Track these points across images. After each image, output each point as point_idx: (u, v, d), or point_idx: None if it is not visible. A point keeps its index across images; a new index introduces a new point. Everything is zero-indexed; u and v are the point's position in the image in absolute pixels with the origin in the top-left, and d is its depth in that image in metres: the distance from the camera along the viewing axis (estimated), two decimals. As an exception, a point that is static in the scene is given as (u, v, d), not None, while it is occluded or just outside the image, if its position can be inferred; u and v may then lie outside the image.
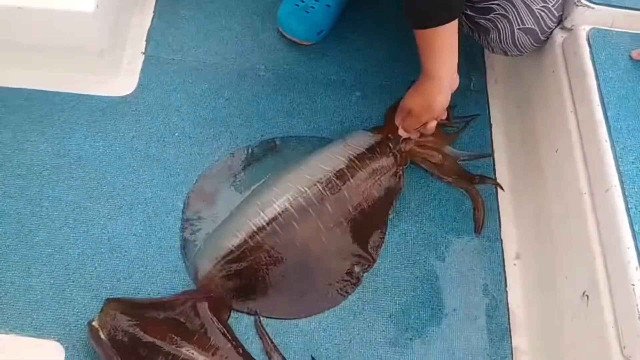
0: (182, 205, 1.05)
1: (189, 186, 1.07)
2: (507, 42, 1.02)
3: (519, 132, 1.13)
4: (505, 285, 1.03)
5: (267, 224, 0.97)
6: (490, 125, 1.19)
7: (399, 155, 1.08)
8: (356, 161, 1.03)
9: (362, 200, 1.03)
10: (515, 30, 1.00)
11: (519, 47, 1.02)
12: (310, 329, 0.96)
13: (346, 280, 1.00)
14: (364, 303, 0.99)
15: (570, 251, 0.90)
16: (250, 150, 1.11)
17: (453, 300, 1.01)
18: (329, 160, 1.03)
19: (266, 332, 0.95)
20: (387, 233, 1.05)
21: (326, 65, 1.23)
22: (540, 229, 1.00)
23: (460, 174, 1.11)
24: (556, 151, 0.97)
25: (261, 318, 0.96)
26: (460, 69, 1.24)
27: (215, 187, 1.07)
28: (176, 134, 1.13)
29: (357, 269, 1.01)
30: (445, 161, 1.11)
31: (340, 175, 1.01)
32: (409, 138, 1.09)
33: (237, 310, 0.96)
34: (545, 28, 1.00)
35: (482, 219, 1.07)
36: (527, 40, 1.01)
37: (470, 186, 1.10)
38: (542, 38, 1.01)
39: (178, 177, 1.08)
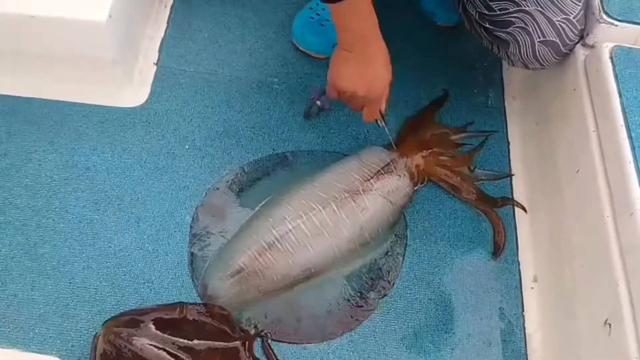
0: (190, 220, 1.03)
1: (198, 200, 1.05)
2: (527, 55, 1.00)
3: (538, 150, 1.10)
4: (522, 310, 0.99)
5: (279, 242, 0.94)
6: (508, 142, 1.16)
7: (415, 174, 1.04)
8: (371, 180, 1.00)
9: (377, 222, 0.99)
10: (536, 43, 0.97)
11: (540, 60, 0.99)
12: (319, 350, 0.93)
13: (360, 307, 0.97)
14: (374, 325, 0.96)
15: (592, 276, 0.86)
16: (261, 164, 1.09)
17: (467, 325, 0.98)
18: (343, 177, 1.00)
19: (274, 353, 0.92)
20: (404, 256, 1.02)
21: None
22: (559, 252, 0.97)
23: (481, 196, 1.07)
24: (577, 172, 0.94)
25: (269, 339, 0.93)
26: (478, 85, 1.24)
27: (224, 202, 1.04)
28: (186, 147, 1.11)
29: (372, 294, 0.97)
30: (464, 182, 1.07)
31: (354, 194, 0.98)
32: (428, 156, 1.05)
33: (244, 331, 0.93)
34: (567, 40, 0.97)
35: (502, 244, 1.04)
36: (549, 53, 0.98)
37: (491, 209, 1.06)
38: (564, 51, 0.98)
39: (187, 191, 1.06)
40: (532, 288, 1.01)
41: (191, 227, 1.02)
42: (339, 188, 0.98)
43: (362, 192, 0.98)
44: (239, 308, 0.94)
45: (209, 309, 0.93)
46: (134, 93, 1.16)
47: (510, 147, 1.15)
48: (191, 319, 0.91)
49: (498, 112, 1.20)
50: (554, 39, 0.96)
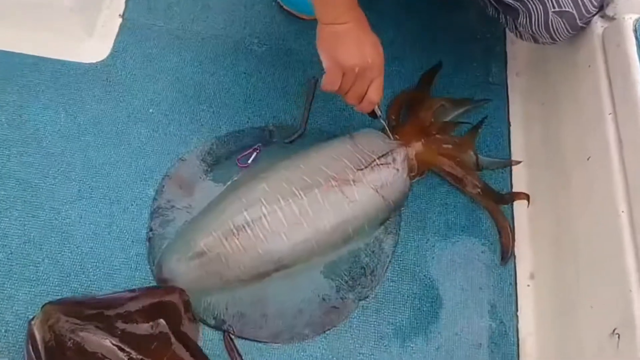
0: (151, 193, 0.91)
1: (160, 172, 0.93)
2: (538, 27, 0.88)
3: (542, 133, 0.99)
4: (516, 309, 0.90)
5: (249, 226, 0.83)
6: (509, 124, 1.05)
7: (415, 166, 0.93)
8: (365, 169, 0.88)
9: (364, 218, 0.87)
10: (550, 13, 0.86)
11: (552, 33, 0.88)
12: (287, 347, 0.83)
13: (336, 308, 0.86)
14: (351, 321, 0.86)
15: (599, 278, 0.76)
16: (239, 136, 0.97)
17: (455, 323, 0.88)
18: (333, 162, 0.88)
19: (236, 349, 0.82)
20: (392, 256, 0.91)
21: (327, 44, 1.09)
22: (561, 248, 0.87)
23: (486, 191, 0.95)
24: (588, 159, 0.83)
25: (231, 333, 0.83)
26: (478, 58, 1.12)
27: (195, 174, 0.93)
28: (151, 111, 0.98)
29: (351, 295, 0.86)
30: (468, 175, 0.95)
31: (343, 183, 0.86)
32: (429, 143, 0.94)
33: (203, 322, 0.83)
34: (584, 12, 0.86)
35: (509, 246, 0.93)
36: (563, 25, 0.87)
37: (496, 207, 0.95)
38: (580, 24, 0.87)
39: (149, 161, 0.94)
40: (528, 286, 0.91)
41: (155, 199, 0.91)
42: (326, 174, 0.86)
43: (352, 182, 0.86)
44: (197, 295, 0.83)
45: (166, 295, 0.82)
46: (94, 47, 1.03)
47: (512, 128, 1.05)
48: (144, 307, 0.80)
49: (499, 89, 1.09)
50: (570, 10, 0.85)
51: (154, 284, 0.85)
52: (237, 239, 0.82)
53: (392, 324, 0.87)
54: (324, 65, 0.82)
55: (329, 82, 0.83)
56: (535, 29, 0.89)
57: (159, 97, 1.00)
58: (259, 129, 0.99)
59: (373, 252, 0.89)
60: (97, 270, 0.85)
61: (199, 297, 0.83)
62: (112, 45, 1.03)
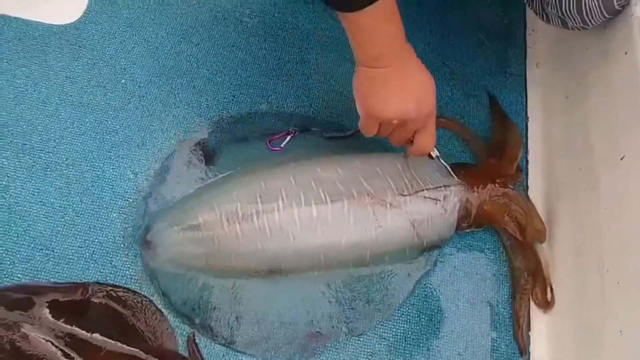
0: (112, 172, 0.80)
1: (127, 149, 0.81)
2: (569, 10, 0.78)
3: (566, 129, 0.87)
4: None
5: (258, 215, 0.71)
6: (527, 118, 0.94)
7: (472, 215, 0.79)
8: (408, 197, 0.75)
9: (388, 248, 0.75)
10: (584, -8, 0.75)
11: (585, 16, 0.77)
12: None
13: (322, 335, 0.73)
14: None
15: (632, 298, 0.65)
16: (274, 115, 0.87)
17: (458, 341, 0.76)
18: (375, 177, 0.76)
19: (200, 353, 0.70)
20: (403, 302, 0.78)
21: (328, 19, 0.97)
22: (583, 260, 0.75)
23: (533, 259, 0.81)
24: (621, 159, 0.72)
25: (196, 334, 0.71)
26: (494, 47, 1.01)
27: (220, 145, 0.82)
28: (123, 81, 0.87)
29: (344, 329, 0.74)
30: (529, 248, 0.81)
31: (378, 203, 0.74)
32: (499, 197, 0.80)
33: (170, 304, 0.72)
34: (623, -8, 0.75)
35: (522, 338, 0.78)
36: (598, 8, 0.76)
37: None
38: (617, 7, 0.77)
39: (115, 136, 0.82)
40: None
41: (169, 157, 0.81)
42: (362, 187, 0.75)
43: (388, 205, 0.74)
44: (174, 270, 0.73)
45: (121, 293, 0.71)
46: (65, 7, 0.91)
47: (529, 124, 0.93)
48: (97, 304, 0.69)
49: (518, 81, 0.97)
50: (607, -11, 0.74)
51: (110, 279, 0.73)
52: (240, 224, 0.71)
53: (384, 339, 0.75)
54: (358, 111, 0.69)
55: (363, 130, 0.71)
56: (566, 11, 0.78)
57: (133, 67, 0.88)
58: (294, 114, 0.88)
59: (386, 288, 0.76)
60: (46, 259, 0.73)
61: (176, 272, 0.72)
62: (85, 7, 0.91)
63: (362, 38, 0.64)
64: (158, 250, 0.72)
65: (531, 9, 0.86)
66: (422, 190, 0.75)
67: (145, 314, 0.71)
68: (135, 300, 0.71)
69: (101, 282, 0.72)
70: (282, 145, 0.82)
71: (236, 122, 0.85)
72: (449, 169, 0.79)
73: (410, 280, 0.77)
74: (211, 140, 0.82)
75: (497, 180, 0.81)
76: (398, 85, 0.66)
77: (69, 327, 0.65)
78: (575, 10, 0.78)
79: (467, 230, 0.80)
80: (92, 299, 0.69)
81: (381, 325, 0.76)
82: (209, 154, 0.80)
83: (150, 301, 0.72)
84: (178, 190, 0.77)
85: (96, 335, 0.65)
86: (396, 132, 0.70)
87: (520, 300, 0.78)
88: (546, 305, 0.78)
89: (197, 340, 0.71)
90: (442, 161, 0.78)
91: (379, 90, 0.66)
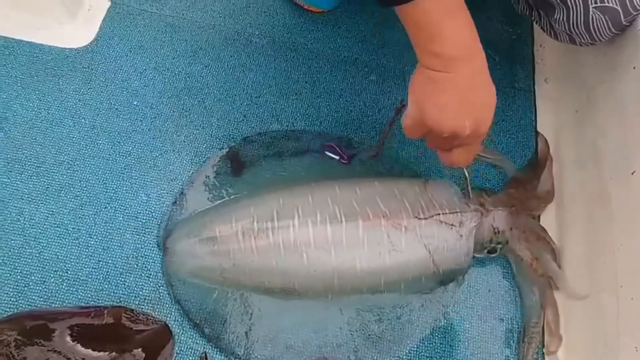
0: (127, 194, 0.80)
1: (140, 170, 0.82)
2: (577, 26, 0.78)
3: (575, 144, 0.87)
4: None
5: (272, 231, 0.72)
6: (536, 133, 0.94)
7: (489, 240, 0.78)
8: (423, 220, 0.73)
9: (403, 275, 0.73)
10: (591, 9, 0.76)
11: (593, 32, 0.78)
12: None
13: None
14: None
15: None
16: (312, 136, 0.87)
17: (472, 359, 0.76)
18: (391, 199, 0.74)
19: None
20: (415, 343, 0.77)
21: (336, 39, 0.98)
22: (597, 276, 0.75)
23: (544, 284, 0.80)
24: (632, 173, 0.72)
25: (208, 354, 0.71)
26: (502, 62, 1.01)
27: (255, 158, 0.83)
28: (135, 103, 0.88)
29: (352, 357, 0.73)
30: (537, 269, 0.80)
31: (393, 225, 0.72)
32: (520, 228, 0.79)
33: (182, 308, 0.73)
34: (630, 9, 0.75)
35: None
36: (605, 24, 0.76)
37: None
38: (625, 23, 0.77)
39: (128, 158, 0.83)
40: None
41: (201, 166, 0.83)
42: (378, 208, 0.73)
43: (403, 228, 0.73)
44: (189, 278, 0.74)
45: (145, 319, 0.71)
46: (77, 31, 0.92)
47: (539, 139, 0.93)
48: (110, 326, 0.69)
49: (526, 97, 0.97)
50: (615, 6, 0.75)
51: (123, 300, 0.73)
52: (255, 240, 0.71)
53: (398, 357, 0.75)
54: (408, 111, 0.64)
55: (407, 132, 0.66)
56: (574, 28, 0.79)
57: (145, 89, 0.89)
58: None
59: (399, 320, 0.75)
60: (60, 280, 0.74)
61: (191, 281, 0.74)
62: (97, 31, 0.93)
63: (420, 35, 0.58)
64: (174, 258, 0.74)
65: (539, 25, 0.87)
66: (439, 214, 0.74)
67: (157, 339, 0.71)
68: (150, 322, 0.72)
69: (116, 305, 0.72)
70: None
71: (271, 138, 0.86)
72: (469, 189, 0.78)
73: (426, 316, 0.76)
74: (244, 154, 0.83)
75: (520, 211, 0.80)
76: (460, 96, 0.59)
77: (84, 350, 0.66)
78: (582, 27, 0.78)
79: (481, 256, 0.80)
80: (106, 322, 0.69)
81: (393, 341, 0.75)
82: (239, 169, 0.81)
83: (165, 325, 0.72)
84: (204, 201, 0.78)
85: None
86: (439, 140, 0.65)
87: (528, 344, 0.77)
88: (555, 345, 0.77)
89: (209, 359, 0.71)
90: (469, 181, 0.77)
91: (439, 97, 0.59)
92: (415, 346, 0.76)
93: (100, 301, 0.73)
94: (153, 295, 0.75)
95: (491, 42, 1.02)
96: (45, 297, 0.73)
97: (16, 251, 0.75)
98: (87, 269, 0.75)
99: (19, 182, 0.79)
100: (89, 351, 0.65)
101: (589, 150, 0.83)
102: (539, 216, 0.86)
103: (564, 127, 0.91)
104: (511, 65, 1.01)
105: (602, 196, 0.77)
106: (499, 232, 0.78)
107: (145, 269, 0.76)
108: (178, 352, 0.72)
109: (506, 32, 1.04)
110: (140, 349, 0.67)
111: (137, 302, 0.74)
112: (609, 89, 0.82)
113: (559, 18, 0.79)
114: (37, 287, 0.73)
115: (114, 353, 0.66)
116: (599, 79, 0.85)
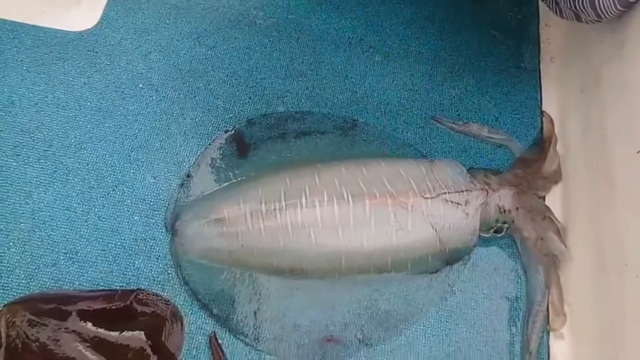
0: (134, 176, 0.81)
1: (147, 153, 0.82)
2: (583, 3, 0.77)
3: (581, 124, 0.87)
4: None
5: (280, 212, 0.72)
6: (541, 113, 0.94)
7: (495, 219, 0.79)
8: (429, 200, 0.74)
9: (409, 254, 0.74)
10: (597, -14, 0.75)
11: (599, 9, 0.77)
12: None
13: (334, 340, 0.73)
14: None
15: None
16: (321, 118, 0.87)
17: (477, 337, 0.77)
18: (397, 178, 0.75)
19: (222, 351, 0.71)
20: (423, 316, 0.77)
21: (340, 19, 0.98)
22: (602, 255, 0.75)
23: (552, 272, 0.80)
24: (638, 152, 0.72)
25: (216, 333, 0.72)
26: (508, 41, 1.00)
27: (262, 140, 0.84)
28: (140, 85, 0.88)
29: (359, 335, 0.74)
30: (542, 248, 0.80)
31: (399, 205, 0.73)
32: (527, 208, 0.80)
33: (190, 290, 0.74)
34: (637, -15, 0.74)
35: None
36: (611, 1, 0.76)
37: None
38: (631, 0, 0.76)
39: (135, 141, 0.83)
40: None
41: (207, 147, 0.83)
42: (384, 188, 0.74)
43: (409, 207, 0.74)
44: (197, 260, 0.75)
45: (155, 300, 0.72)
46: (81, 14, 0.92)
47: (545, 118, 0.93)
48: (122, 311, 0.70)
49: (532, 76, 0.97)
50: (620, -19, 0.74)
51: (132, 282, 0.74)
52: (263, 221, 0.72)
53: (404, 335, 0.76)
54: None
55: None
56: (579, 4, 0.78)
57: (150, 72, 0.89)
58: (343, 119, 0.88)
59: (406, 300, 0.76)
60: (71, 262, 0.75)
61: (199, 262, 0.75)
62: (101, 13, 0.92)
63: None
64: (183, 240, 0.74)
65: (544, 2, 0.86)
66: (445, 193, 0.75)
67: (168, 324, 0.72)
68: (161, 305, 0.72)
69: (127, 288, 0.73)
70: None
71: (276, 119, 0.86)
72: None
73: (432, 295, 0.77)
74: (250, 136, 0.84)
75: (526, 191, 0.81)
76: None
77: (94, 329, 0.67)
78: (588, 4, 0.77)
79: (487, 236, 0.80)
80: (117, 304, 0.70)
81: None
82: (245, 150, 0.81)
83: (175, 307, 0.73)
84: (211, 183, 0.79)
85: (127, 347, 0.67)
86: None
87: (533, 322, 0.77)
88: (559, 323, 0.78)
89: (219, 340, 0.72)
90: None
91: None
92: (422, 325, 0.77)
93: (110, 283, 0.74)
94: (162, 276, 0.75)
95: (496, 22, 1.02)
96: (56, 279, 0.74)
97: (26, 234, 0.76)
98: (97, 251, 0.76)
99: (26, 166, 0.80)
100: (101, 330, 0.67)
101: (594, 129, 0.83)
102: (544, 197, 0.86)
103: (569, 107, 0.91)
104: (517, 45, 1.00)
105: (608, 175, 0.77)
106: (505, 211, 0.79)
107: (154, 250, 0.77)
108: (187, 332, 0.73)
109: (511, 11, 1.03)
110: (144, 331, 0.68)
111: (146, 284, 0.75)
112: (615, 68, 0.81)
113: (565, -5, 0.79)
114: (48, 269, 0.74)
115: (125, 332, 0.66)
116: (605, 58, 0.84)
